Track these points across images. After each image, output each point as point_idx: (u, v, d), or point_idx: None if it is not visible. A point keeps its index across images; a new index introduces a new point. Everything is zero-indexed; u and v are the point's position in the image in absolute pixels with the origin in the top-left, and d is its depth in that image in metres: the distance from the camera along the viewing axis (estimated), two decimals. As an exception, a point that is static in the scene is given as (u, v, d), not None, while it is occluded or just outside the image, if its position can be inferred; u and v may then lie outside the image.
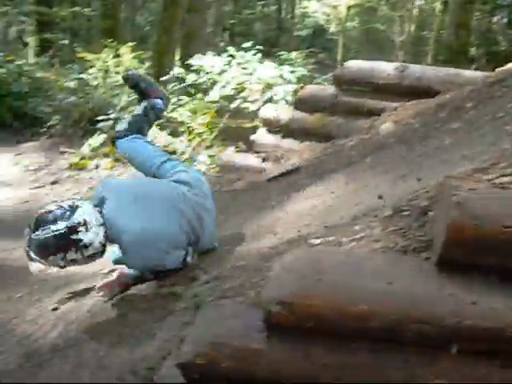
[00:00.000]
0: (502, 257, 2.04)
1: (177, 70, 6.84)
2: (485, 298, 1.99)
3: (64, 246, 2.66)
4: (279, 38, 21.26)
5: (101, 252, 2.85)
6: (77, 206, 2.71)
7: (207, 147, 6.30)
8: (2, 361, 2.78)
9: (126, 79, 3.63)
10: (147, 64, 8.80)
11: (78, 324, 2.94)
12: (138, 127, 3.40)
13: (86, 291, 3.27)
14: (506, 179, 2.43)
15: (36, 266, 2.80)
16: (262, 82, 6.72)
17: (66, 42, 13.20)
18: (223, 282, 2.84)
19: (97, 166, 5.99)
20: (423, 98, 5.23)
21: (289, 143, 5.70)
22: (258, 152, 5.69)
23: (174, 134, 6.77)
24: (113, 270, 3.20)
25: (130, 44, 7.75)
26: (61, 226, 2.62)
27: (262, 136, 5.90)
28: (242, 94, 6.56)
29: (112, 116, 6.56)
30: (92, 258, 2.82)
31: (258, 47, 7.58)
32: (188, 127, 6.67)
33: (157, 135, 6.56)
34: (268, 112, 5.94)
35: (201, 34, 10.76)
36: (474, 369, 1.98)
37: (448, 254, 2.11)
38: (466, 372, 1.98)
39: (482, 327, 1.93)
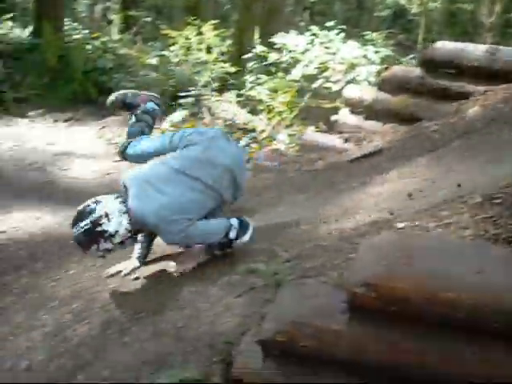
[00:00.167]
0: None
1: (259, 48, 6.79)
2: None
3: (93, 238, 2.85)
4: (359, 17, 20.80)
5: (130, 237, 2.97)
6: (99, 201, 2.91)
7: (287, 126, 6.26)
8: (85, 326, 2.86)
9: (112, 104, 3.60)
10: (228, 42, 8.80)
11: (157, 294, 2.99)
12: (137, 133, 3.45)
13: (165, 262, 3.32)
14: None
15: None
16: (345, 61, 6.59)
17: (149, 19, 13.38)
18: (304, 261, 2.81)
19: (177, 142, 6.06)
20: (514, 82, 5.01)
21: (371, 124, 5.58)
22: (340, 132, 5.61)
23: (254, 111, 6.76)
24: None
25: (213, 22, 7.76)
26: (86, 221, 2.84)
27: (344, 116, 5.81)
28: (324, 74, 6.45)
29: (193, 92, 6.61)
30: (124, 244, 2.96)
31: (340, 26, 7.44)
32: (268, 106, 6.63)
33: (236, 112, 6.57)
34: (352, 92, 5.83)
35: (281, 12, 10.67)
36: None
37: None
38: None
39: None
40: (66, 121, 6.99)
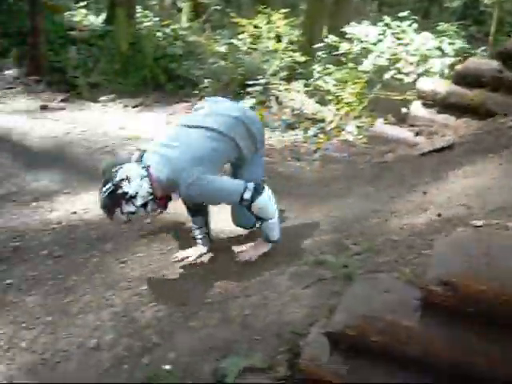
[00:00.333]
0: None
1: (330, 38, 6.70)
2: None
3: (116, 201, 2.89)
4: (429, 8, 20.25)
5: (153, 200, 2.94)
6: (121, 167, 2.97)
7: (355, 117, 6.15)
8: (152, 308, 2.89)
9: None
10: (297, 31, 8.73)
11: (225, 281, 2.99)
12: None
13: (232, 250, 3.33)
14: None
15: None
16: (418, 53, 6.42)
17: (219, 7, 13.44)
18: (375, 255, 2.75)
19: (245, 128, 6.06)
20: None
21: (444, 118, 5.42)
22: (411, 125, 5.48)
23: (322, 102, 6.68)
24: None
25: (283, 11, 7.70)
26: (109, 185, 2.91)
27: (416, 109, 5.67)
28: (396, 65, 6.30)
29: (261, 81, 6.59)
30: (147, 207, 2.94)
31: (413, 17, 7.26)
32: (336, 96, 6.55)
33: (304, 102, 6.52)
34: (425, 85, 5.67)
35: (349, 2, 10.51)
36: None
37: None
38: None
39: None
40: (135, 106, 7.10)
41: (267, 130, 6.06)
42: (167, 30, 9.74)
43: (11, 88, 7.32)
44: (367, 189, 4.17)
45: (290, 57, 7.09)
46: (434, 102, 5.54)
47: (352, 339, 2.24)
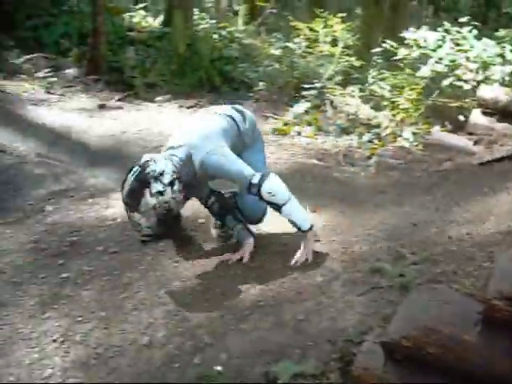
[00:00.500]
0: None
1: (388, 43, 6.61)
2: None
3: (144, 180, 2.93)
4: (487, 13, 19.78)
5: (177, 180, 2.99)
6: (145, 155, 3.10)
7: (411, 124, 6.04)
8: (204, 308, 2.91)
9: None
10: (352, 35, 8.64)
11: (278, 284, 2.98)
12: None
13: (284, 253, 3.32)
14: None
15: (141, 222, 3.03)
16: (478, 60, 6.27)
17: (274, 10, 13.46)
18: (433, 265, 2.70)
19: (299, 133, 6.02)
20: None
21: (505, 127, 5.28)
22: (469, 133, 5.36)
23: (377, 107, 6.59)
24: None
25: (341, 15, 7.65)
26: (135, 168, 2.98)
27: (475, 117, 5.54)
28: (455, 72, 6.17)
29: (317, 85, 6.55)
30: (173, 185, 2.97)
31: (473, 23, 7.08)
32: (392, 102, 6.45)
33: (360, 107, 6.45)
34: (485, 92, 5.54)
35: (406, 6, 10.35)
36: None
37: None
38: None
39: None
40: (190, 107, 7.16)
41: (321, 135, 6.04)
42: (223, 33, 9.82)
43: (71, 87, 7.50)
44: (424, 197, 4.10)
45: (347, 61, 7.03)
46: (494, 110, 5.40)
47: (407, 350, 2.20)
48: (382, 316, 2.46)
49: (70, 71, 7.95)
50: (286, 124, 6.30)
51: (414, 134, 5.79)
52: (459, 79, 6.11)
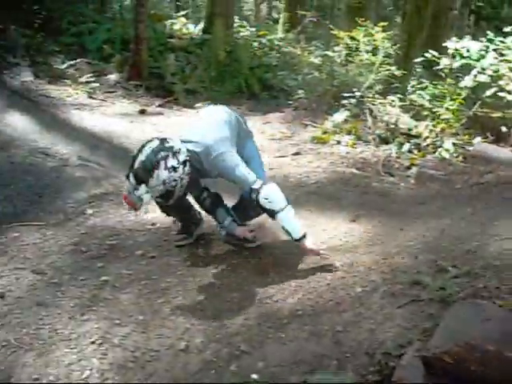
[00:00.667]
0: None
1: (430, 53, 6.53)
2: None
3: (162, 154, 3.01)
4: (529, 23, 19.38)
5: (189, 162, 3.11)
6: None
7: (452, 134, 5.95)
8: (242, 316, 2.91)
9: None
10: (392, 44, 8.57)
11: (316, 294, 2.96)
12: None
13: (323, 263, 3.30)
14: None
15: (144, 197, 3.04)
16: (523, 70, 6.14)
17: (314, 19, 13.45)
18: (475, 279, 2.64)
19: (338, 142, 5.99)
20: None
21: (552, 140, 5.16)
22: (512, 145, 5.25)
23: (417, 117, 6.51)
24: None
25: (383, 24, 7.60)
26: (154, 142, 3.07)
27: (520, 128, 5.42)
28: (498, 82, 6.05)
29: (357, 94, 6.51)
30: (185, 164, 3.09)
31: (520, 32, 6.94)
32: (433, 112, 6.37)
33: (399, 117, 6.38)
34: (531, 104, 5.42)
35: (447, 15, 10.20)
36: None
37: None
38: None
39: None
40: (229, 114, 7.22)
41: (361, 144, 6.00)
42: (263, 40, 9.86)
43: (112, 92, 7.62)
44: (464, 210, 4.03)
45: (387, 70, 6.97)
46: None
47: (448, 366, 2.16)
48: (422, 329, 2.42)
49: (112, 77, 8.08)
50: (325, 132, 6.28)
51: (454, 144, 5.71)
52: (502, 90, 5.99)
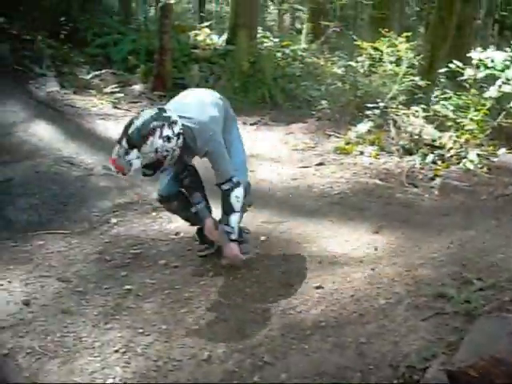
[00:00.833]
0: None
1: (454, 63, 6.49)
2: None
3: (158, 122, 3.04)
4: (554, 33, 19.18)
5: (182, 135, 3.13)
6: None
7: (476, 145, 5.90)
8: (265, 327, 2.90)
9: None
10: (415, 55, 8.53)
11: (340, 306, 2.95)
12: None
13: (345, 274, 3.29)
14: None
15: (133, 162, 3.03)
16: (549, 81, 6.07)
17: (338, 29, 13.46)
18: (501, 292, 2.61)
19: (361, 153, 5.98)
20: None
21: None
22: (538, 157, 5.19)
23: (441, 128, 6.47)
24: None
25: (406, 34, 7.58)
26: (153, 110, 3.13)
27: (546, 140, 5.36)
28: (524, 93, 6.00)
29: (380, 104, 6.49)
30: (179, 137, 3.11)
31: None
32: (456, 123, 6.32)
33: (423, 128, 6.34)
34: (557, 114, 5.36)
35: (472, 25, 10.12)
36: None
37: None
38: None
39: None
40: (253, 124, 7.23)
41: (384, 155, 5.98)
42: (286, 51, 9.89)
43: (137, 102, 7.69)
44: (489, 221, 3.99)
45: (411, 80, 6.94)
46: None
47: (474, 380, 2.13)
48: (447, 343, 2.39)
49: (137, 87, 8.16)
50: (348, 143, 6.28)
51: (479, 155, 5.66)
52: (526, 100, 5.94)
